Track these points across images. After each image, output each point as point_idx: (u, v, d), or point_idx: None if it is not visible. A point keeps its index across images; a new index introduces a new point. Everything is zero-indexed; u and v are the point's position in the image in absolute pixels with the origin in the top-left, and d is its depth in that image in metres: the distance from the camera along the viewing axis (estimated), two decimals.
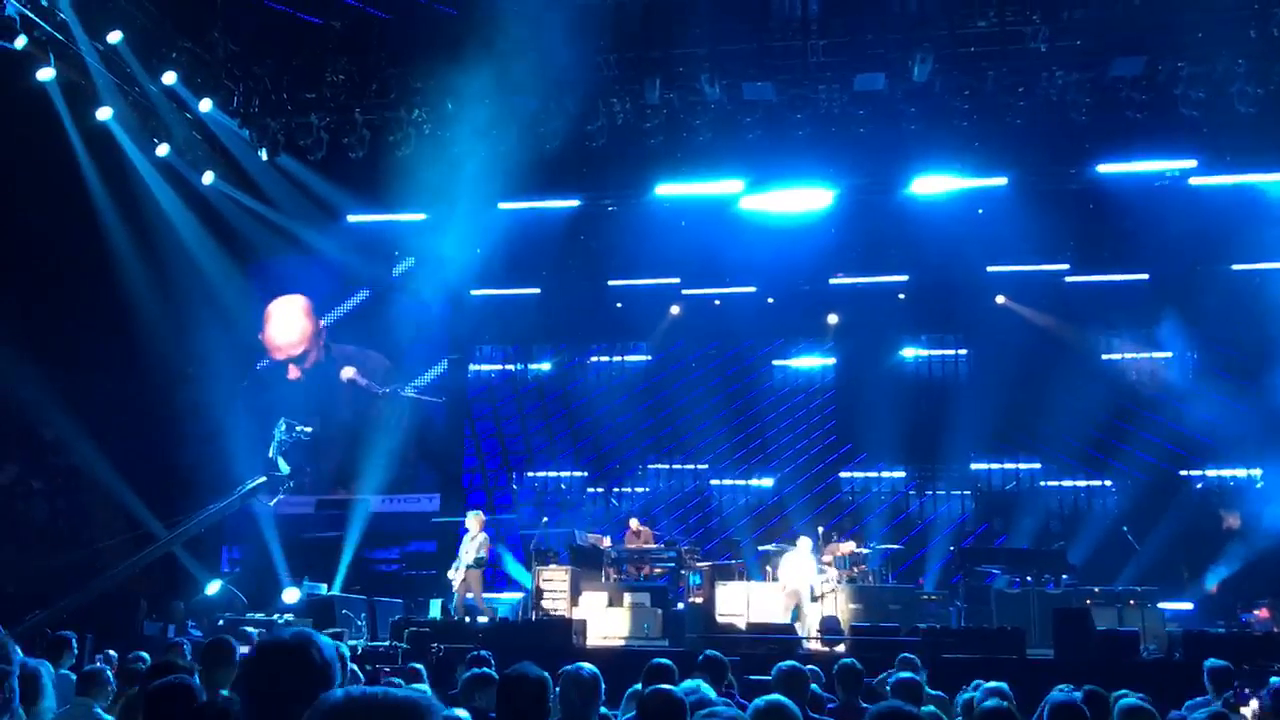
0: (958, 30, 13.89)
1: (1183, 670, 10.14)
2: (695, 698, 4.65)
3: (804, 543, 15.45)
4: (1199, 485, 19.28)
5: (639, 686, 6.44)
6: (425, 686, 6.81)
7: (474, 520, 15.34)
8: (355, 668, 7.38)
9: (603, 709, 5.10)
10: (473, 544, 15.04)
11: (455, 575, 15.04)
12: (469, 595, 14.91)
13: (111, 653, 9.40)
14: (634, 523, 17.34)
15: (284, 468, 16.30)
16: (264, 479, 15.78)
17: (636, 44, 14.33)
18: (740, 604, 14.54)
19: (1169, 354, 19.90)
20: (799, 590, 14.83)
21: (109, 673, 6.77)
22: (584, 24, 13.10)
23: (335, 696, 2.03)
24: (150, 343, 16.20)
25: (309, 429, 16.86)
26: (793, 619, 14.06)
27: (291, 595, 15.92)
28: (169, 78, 14.54)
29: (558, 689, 4.91)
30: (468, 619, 14.35)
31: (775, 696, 3.85)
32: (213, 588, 16.12)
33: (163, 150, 15.88)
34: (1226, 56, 13.36)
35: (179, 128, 15.84)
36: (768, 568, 15.87)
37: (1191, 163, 16.06)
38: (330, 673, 2.57)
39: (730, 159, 15.99)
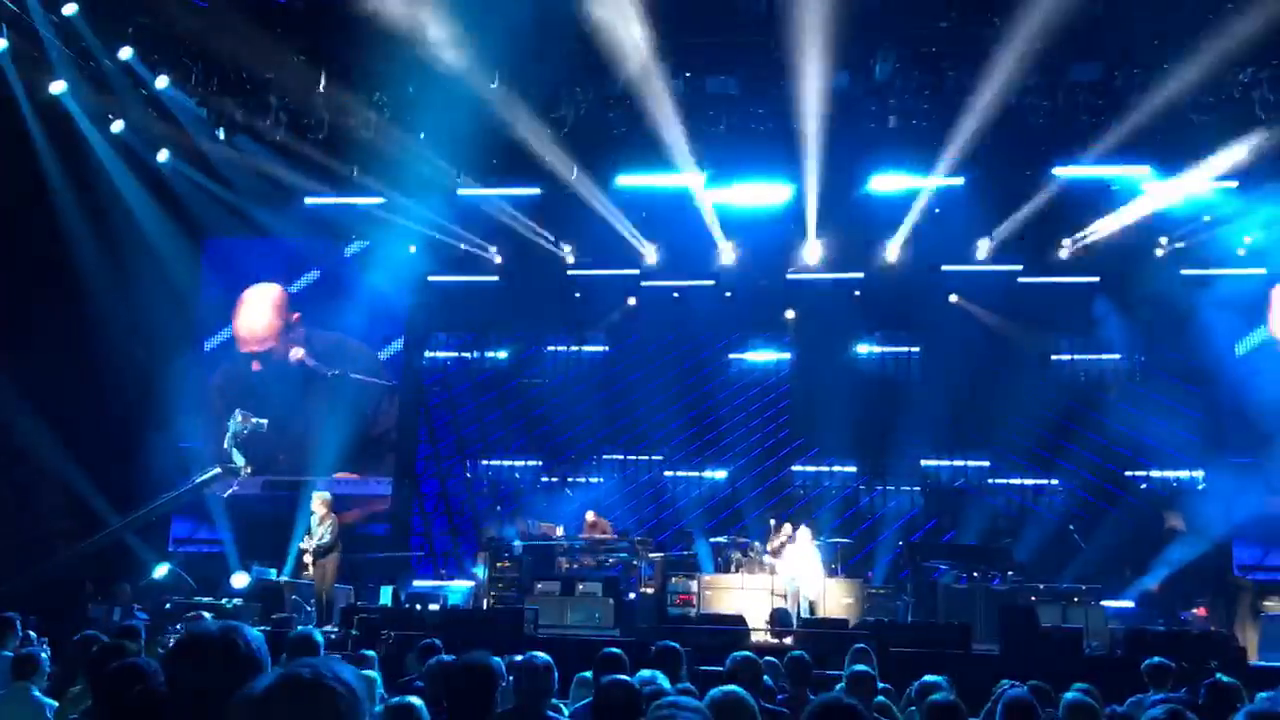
0: (919, 30, 14.01)
1: (1124, 666, 10.33)
2: (652, 688, 4.68)
3: (804, 533, 15.56)
4: (1143, 486, 19.61)
5: (588, 674, 6.48)
6: (375, 674, 6.79)
7: (320, 502, 14.88)
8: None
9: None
10: (320, 528, 14.63)
11: (310, 562, 14.60)
12: (325, 584, 14.54)
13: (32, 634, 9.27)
14: (590, 515, 17.36)
15: (238, 460, 16.16)
16: (217, 470, 15.62)
17: (600, 33, 14.29)
18: (732, 603, 14.63)
19: (1117, 356, 20.22)
20: (803, 585, 14.97)
21: (44, 655, 6.70)
22: (548, 11, 13.04)
23: (256, 686, 2.03)
24: (100, 322, 15.94)
25: (264, 421, 16.71)
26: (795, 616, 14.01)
27: (240, 580, 15.78)
28: (125, 53, 14.31)
29: (510, 677, 4.93)
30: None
31: (732, 687, 3.89)
32: (160, 571, 15.94)
33: (117, 126, 15.65)
34: (1180, 65, 13.60)
35: (134, 104, 15.60)
36: (736, 556, 16.00)
37: (1145, 169, 16.31)
38: (257, 664, 2.54)
39: (692, 152, 16.02)
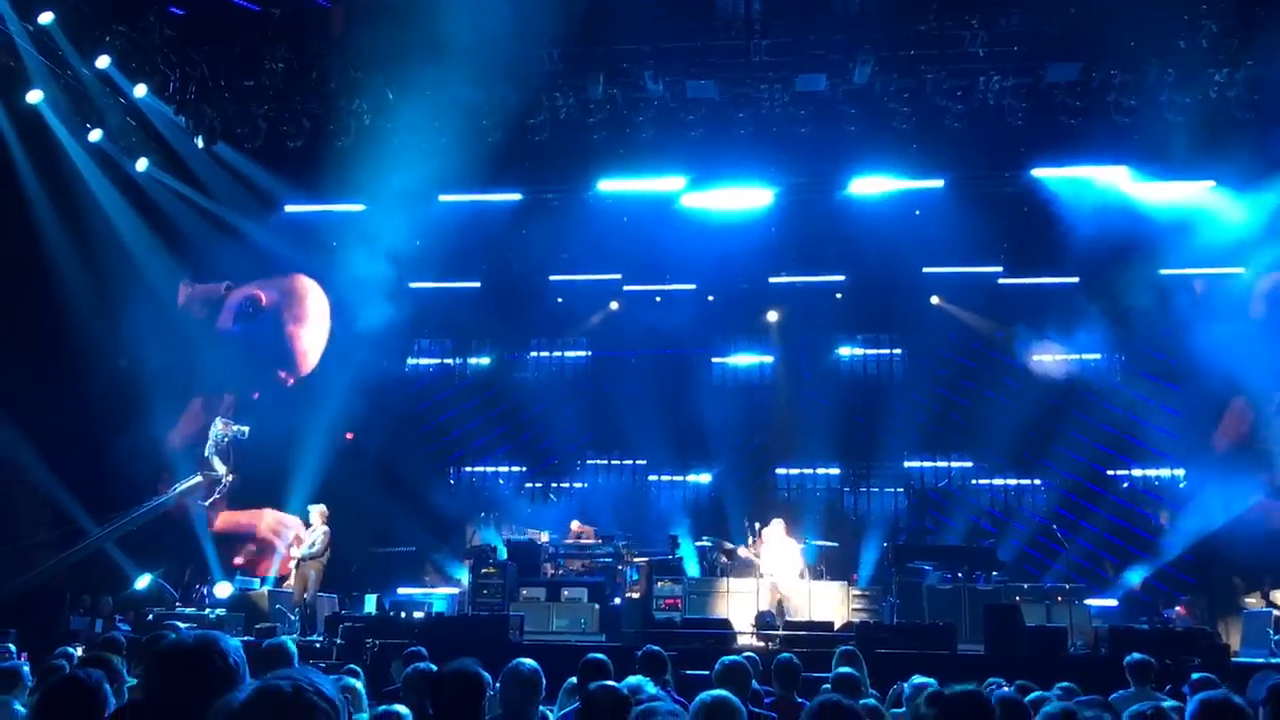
0: (898, 33, 14.07)
1: (1108, 664, 10.38)
2: (640, 696, 4.67)
3: (777, 526, 15.58)
4: (1125, 485, 19.71)
5: (574, 681, 6.47)
6: (360, 685, 6.75)
7: (316, 513, 15.36)
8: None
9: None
10: (312, 534, 15.13)
11: (291, 567, 15.04)
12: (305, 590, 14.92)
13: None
14: (575, 524, 17.35)
15: (219, 468, 16.06)
16: (199, 478, 15.53)
17: (580, 39, 14.31)
18: (718, 607, 14.64)
19: (1097, 356, 20.32)
20: (779, 581, 15.00)
21: (24, 668, 6.66)
22: (527, 17, 13.04)
23: (235, 698, 2.01)
24: (81, 332, 15.83)
25: (245, 429, 16.63)
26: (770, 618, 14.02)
27: (223, 589, 15.70)
28: (103, 61, 14.23)
29: (496, 685, 4.91)
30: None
31: (720, 691, 3.89)
32: (142, 582, 15.84)
33: (95, 135, 15.56)
34: (1157, 66, 13.70)
35: (112, 113, 15.52)
36: (723, 559, 16.01)
37: (1123, 169, 16.41)
38: (235, 676, 2.52)
39: (672, 156, 16.04)
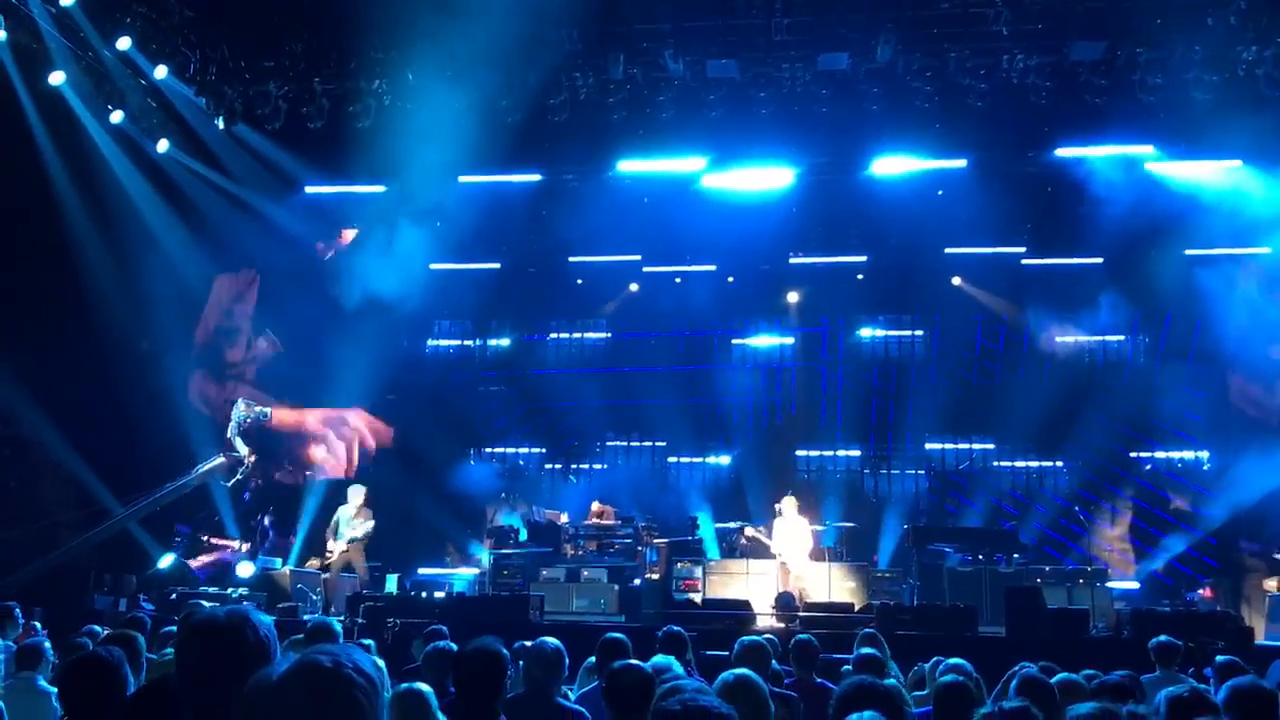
0: (921, 11, 13.94)
1: (1130, 647, 10.33)
2: (666, 676, 4.66)
3: (789, 504, 15.58)
4: (1148, 467, 19.59)
5: (594, 660, 6.48)
6: (378, 659, 6.79)
7: (361, 495, 15.84)
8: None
9: None
10: (359, 519, 15.59)
11: (335, 547, 15.34)
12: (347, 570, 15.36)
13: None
14: (596, 504, 17.41)
15: (242, 448, 16.13)
16: (221, 459, 15.61)
17: (600, 18, 14.23)
18: (738, 589, 14.64)
19: (1121, 337, 20.19)
20: (789, 560, 15.01)
21: (47, 645, 6.72)
22: None
23: (273, 671, 2.00)
24: (103, 313, 15.91)
25: (268, 410, 16.69)
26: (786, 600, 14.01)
27: (246, 569, 15.79)
28: (124, 43, 14.24)
29: (521, 663, 4.92)
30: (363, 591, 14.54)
31: (742, 670, 3.89)
32: (165, 561, 15.95)
33: (117, 117, 15.58)
34: (1183, 44, 13.52)
35: (134, 94, 15.54)
36: (743, 540, 16.03)
37: (1148, 148, 16.24)
38: (266, 650, 2.53)
39: (693, 136, 15.97)
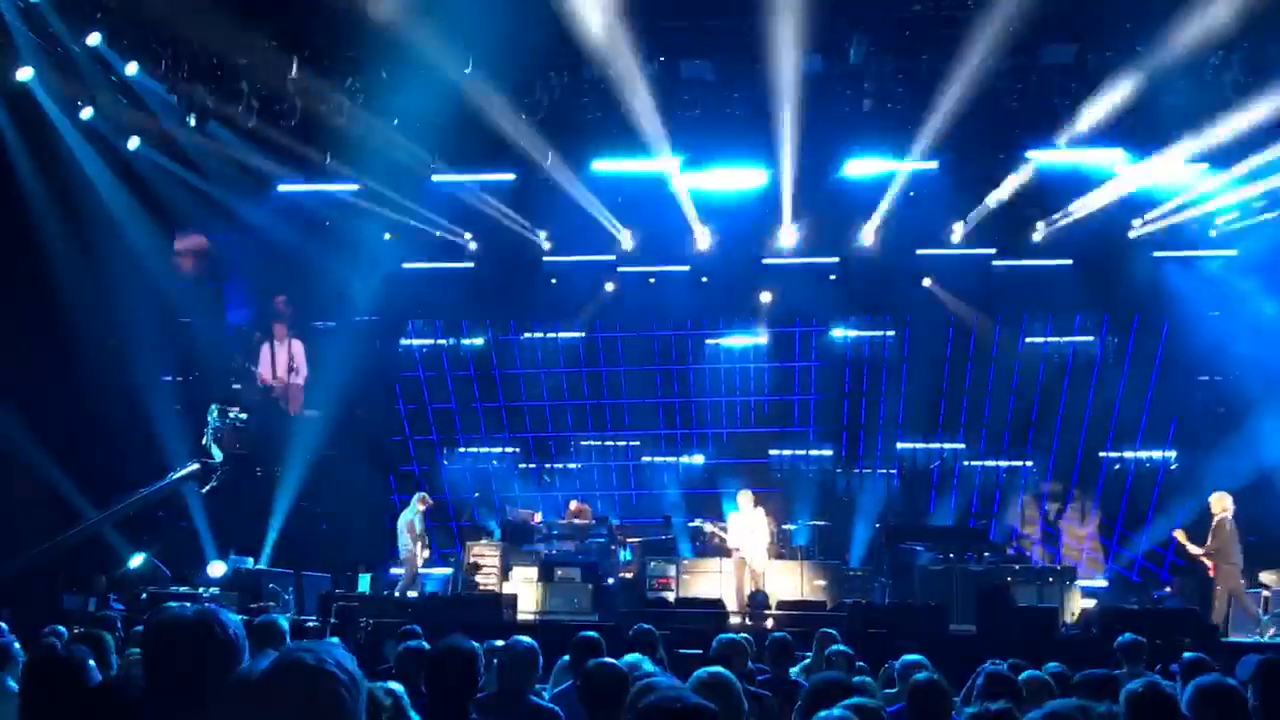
0: (893, 13, 14.01)
1: (1098, 644, 10.44)
2: (638, 673, 4.69)
3: (745, 496, 15.62)
4: (1116, 467, 19.78)
5: (568, 659, 6.50)
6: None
7: (422, 502, 16.12)
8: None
9: None
10: (422, 525, 16.03)
11: (422, 555, 15.69)
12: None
13: None
14: (574, 504, 17.45)
15: (217, 455, 15.99)
16: (196, 466, 15.44)
17: (575, 17, 14.21)
18: (711, 587, 14.69)
19: (1090, 338, 20.38)
20: (748, 556, 15.04)
21: (16, 645, 6.67)
22: None
23: (255, 667, 2.00)
24: (72, 311, 15.74)
25: (244, 415, 16.57)
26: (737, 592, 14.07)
27: (217, 569, 15.69)
28: (94, 38, 14.11)
29: (495, 662, 4.93)
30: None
31: (716, 668, 3.91)
32: (135, 561, 15.81)
33: (86, 113, 15.43)
34: (1153, 48, 13.65)
35: (104, 91, 15.38)
36: (715, 540, 16.08)
37: (1118, 151, 16.39)
38: (235, 649, 2.52)
39: (667, 136, 15.98)
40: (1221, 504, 14.05)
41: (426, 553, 15.60)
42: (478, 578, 15.26)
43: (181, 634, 2.53)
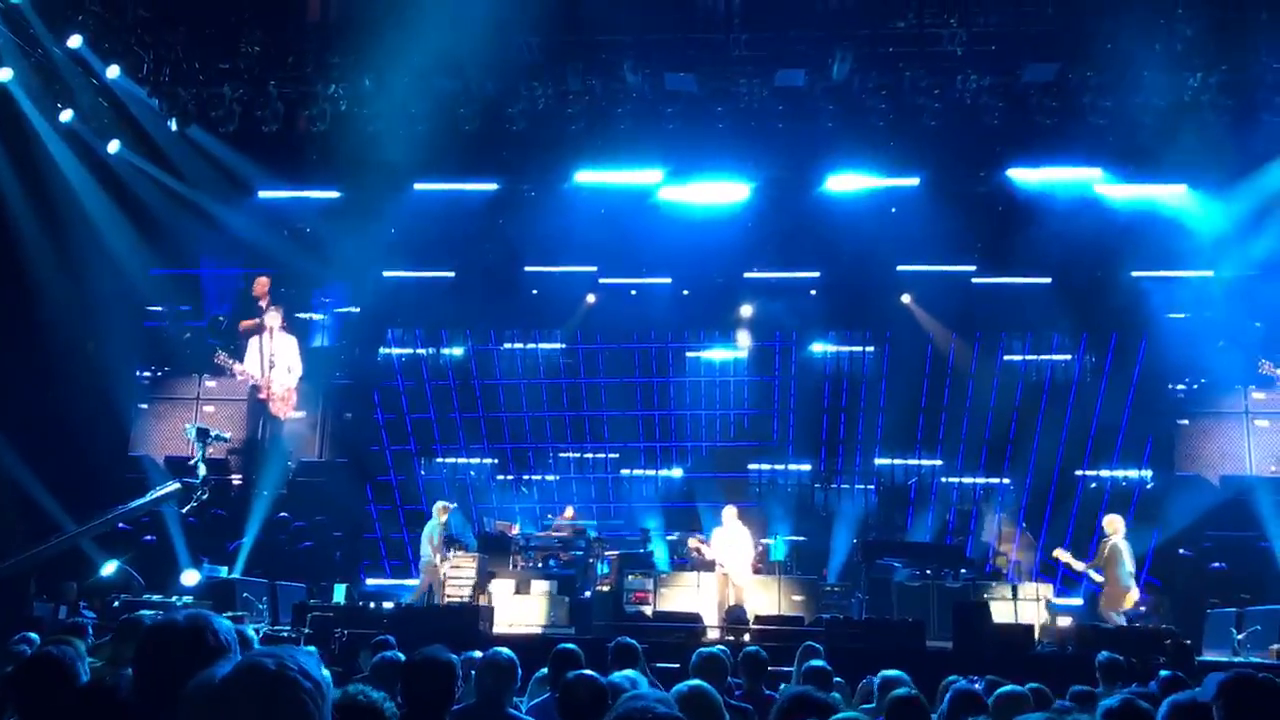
0: (877, 30, 14.10)
1: (1075, 662, 10.45)
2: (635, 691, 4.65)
3: (729, 511, 15.65)
4: (1093, 485, 19.85)
5: (545, 671, 6.45)
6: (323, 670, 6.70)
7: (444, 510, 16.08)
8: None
9: None
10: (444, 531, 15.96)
11: (443, 566, 15.47)
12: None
13: None
14: (569, 510, 17.67)
15: (202, 471, 15.80)
16: (177, 485, 15.23)
17: (560, 28, 14.25)
18: (688, 601, 14.67)
19: (1068, 356, 20.49)
20: (730, 571, 15.05)
21: None
22: (507, 6, 12.97)
23: (214, 673, 1.98)
24: (51, 319, 15.58)
25: (227, 434, 16.43)
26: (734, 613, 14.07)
27: (190, 578, 15.52)
28: (75, 41, 14.02)
29: (473, 673, 4.88)
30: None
31: (697, 682, 3.88)
32: (108, 568, 15.62)
33: (66, 116, 15.33)
34: (1132, 68, 13.79)
35: (84, 93, 15.28)
36: (694, 553, 16.07)
37: (1097, 171, 16.51)
38: (227, 654, 2.51)
39: (650, 149, 16.01)
40: (1113, 526, 14.64)
41: (447, 565, 15.44)
42: (454, 589, 15.15)
43: (174, 639, 2.51)
